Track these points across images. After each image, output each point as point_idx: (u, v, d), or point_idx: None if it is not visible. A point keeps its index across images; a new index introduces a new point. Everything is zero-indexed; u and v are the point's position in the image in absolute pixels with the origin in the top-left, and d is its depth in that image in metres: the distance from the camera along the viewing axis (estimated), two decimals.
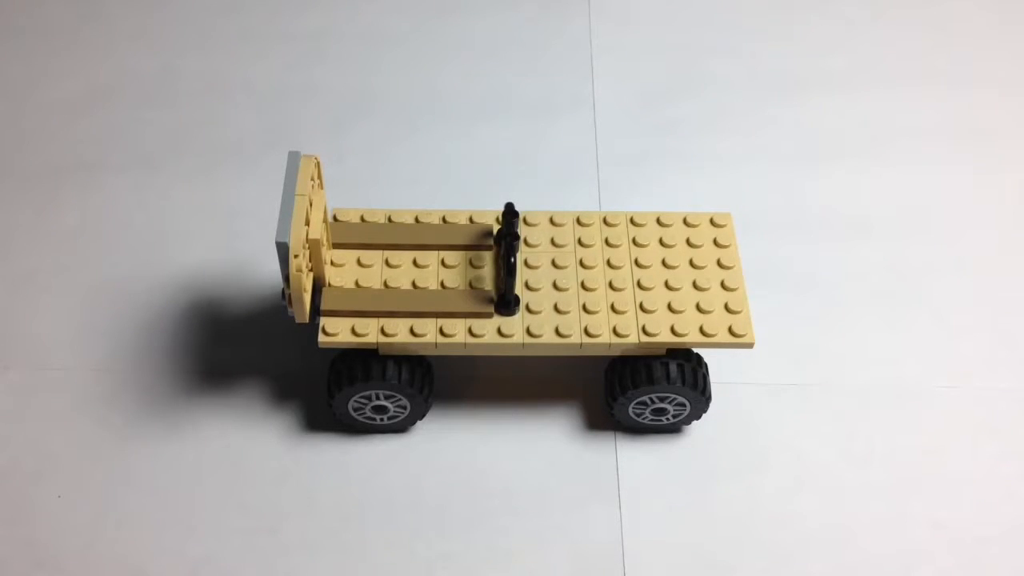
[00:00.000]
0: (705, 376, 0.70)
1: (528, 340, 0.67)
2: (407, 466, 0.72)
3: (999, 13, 1.04)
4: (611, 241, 0.72)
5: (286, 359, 0.77)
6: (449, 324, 0.68)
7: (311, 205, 0.66)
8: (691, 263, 0.71)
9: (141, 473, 0.71)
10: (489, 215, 0.73)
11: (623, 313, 0.69)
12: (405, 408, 0.71)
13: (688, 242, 0.73)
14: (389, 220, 0.73)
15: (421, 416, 0.72)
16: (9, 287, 0.80)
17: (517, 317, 0.68)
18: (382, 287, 0.70)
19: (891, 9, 1.04)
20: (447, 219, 0.73)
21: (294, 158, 0.67)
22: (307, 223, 0.65)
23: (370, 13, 1.02)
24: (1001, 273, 0.83)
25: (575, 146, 0.91)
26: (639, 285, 0.70)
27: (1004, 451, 0.74)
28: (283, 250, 0.63)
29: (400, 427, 0.73)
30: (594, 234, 0.73)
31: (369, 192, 0.87)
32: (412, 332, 0.67)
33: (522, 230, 0.73)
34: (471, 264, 0.71)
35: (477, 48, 0.99)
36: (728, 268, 0.71)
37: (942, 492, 0.72)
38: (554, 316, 0.68)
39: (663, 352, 0.69)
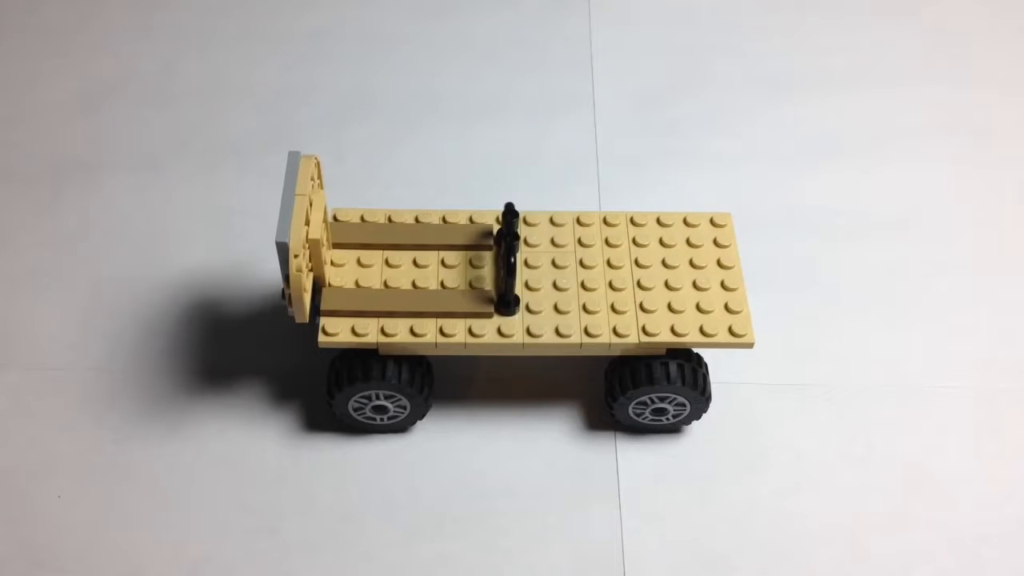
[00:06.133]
0: (705, 376, 0.70)
1: (528, 340, 0.67)
2: (407, 466, 0.72)
3: (999, 13, 1.04)
4: (611, 241, 0.72)
5: (286, 359, 0.77)
6: (449, 324, 0.68)
7: (311, 205, 0.66)
8: (691, 263, 0.71)
9: (141, 473, 0.71)
10: (489, 215, 0.73)
11: (623, 313, 0.69)
12: (405, 408, 0.71)
13: (688, 242, 0.73)
14: (389, 220, 0.73)
15: (421, 416, 0.72)
16: (9, 287, 0.80)
17: (517, 317, 0.68)
18: (382, 287, 0.70)
19: (891, 9, 1.04)
20: (447, 219, 0.73)
21: (294, 158, 0.67)
22: (307, 223, 0.65)
23: (370, 13, 1.02)
24: (1001, 273, 0.83)
25: (575, 146, 0.91)
26: (639, 285, 0.70)
27: (1004, 451, 0.74)
28: (283, 250, 0.63)
29: (400, 427, 0.73)
30: (594, 234, 0.73)
31: (369, 192, 0.87)
32: (412, 332, 0.67)
33: (522, 230, 0.73)
34: (471, 264, 0.71)
35: (477, 48, 0.99)
36: (728, 268, 0.71)
37: (942, 492, 0.71)
38: (554, 316, 0.68)
39: (663, 352, 0.69)
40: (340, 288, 0.69)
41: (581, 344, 0.68)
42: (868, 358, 0.78)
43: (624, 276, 0.70)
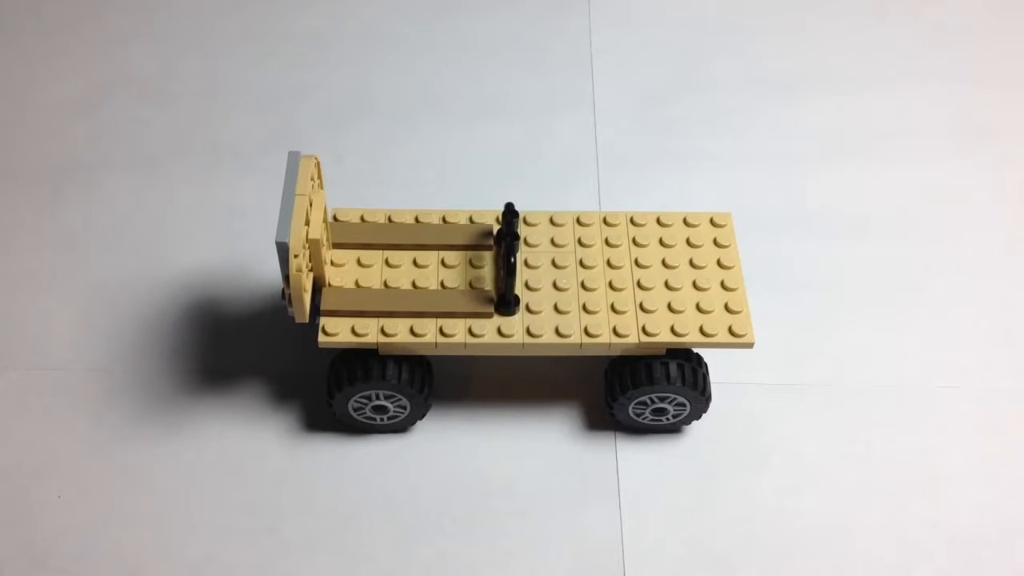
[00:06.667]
0: (705, 376, 0.70)
1: (528, 340, 0.67)
2: (407, 466, 0.72)
3: (999, 13, 1.04)
4: (611, 241, 0.72)
5: (286, 359, 0.77)
6: (449, 324, 0.68)
7: (311, 205, 0.66)
8: (691, 263, 0.71)
9: (141, 473, 0.71)
10: (489, 215, 0.73)
11: (623, 313, 0.69)
12: (405, 408, 0.71)
13: (688, 242, 0.73)
14: (389, 220, 0.73)
15: (421, 416, 0.72)
16: (9, 287, 0.80)
17: (517, 317, 0.68)
18: (382, 287, 0.70)
19: (891, 9, 1.04)
20: (447, 219, 0.73)
21: (294, 158, 0.67)
22: (307, 223, 0.65)
23: (370, 13, 1.02)
24: (1001, 273, 0.83)
25: (575, 146, 0.91)
26: (639, 285, 0.70)
27: (1004, 451, 0.73)
28: (283, 250, 0.63)
29: (400, 427, 0.73)
30: (594, 234, 0.73)
31: (369, 192, 0.87)
32: (412, 332, 0.67)
33: (522, 230, 0.73)
34: (471, 264, 0.71)
35: (477, 48, 0.99)
36: (728, 268, 0.71)
37: (942, 492, 0.72)
38: (554, 316, 0.68)
39: (663, 352, 0.69)
40: (340, 288, 0.69)
41: (581, 344, 0.68)
42: (868, 358, 0.78)
43: (624, 276, 0.70)
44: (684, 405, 0.71)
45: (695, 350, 0.71)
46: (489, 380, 0.76)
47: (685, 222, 0.74)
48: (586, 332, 0.68)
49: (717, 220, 0.74)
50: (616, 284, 0.70)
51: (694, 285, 0.70)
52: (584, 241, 0.72)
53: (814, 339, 0.79)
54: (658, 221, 0.74)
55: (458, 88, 0.96)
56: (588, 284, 0.70)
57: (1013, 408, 0.76)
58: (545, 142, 0.91)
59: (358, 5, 1.03)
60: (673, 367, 0.69)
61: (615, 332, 0.68)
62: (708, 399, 0.70)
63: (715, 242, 0.73)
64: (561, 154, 0.91)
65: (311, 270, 0.68)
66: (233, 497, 0.70)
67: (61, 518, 0.69)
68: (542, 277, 0.70)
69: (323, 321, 0.68)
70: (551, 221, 0.74)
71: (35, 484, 0.71)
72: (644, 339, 0.68)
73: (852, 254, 0.84)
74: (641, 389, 0.69)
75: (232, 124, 0.92)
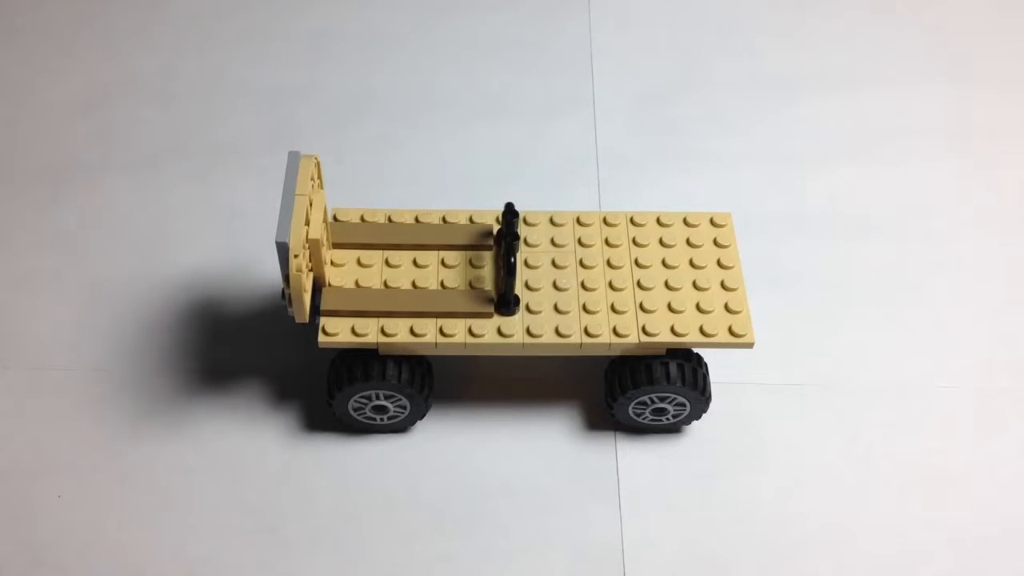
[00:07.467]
0: (705, 376, 0.70)
1: (528, 340, 0.67)
2: (407, 466, 0.72)
3: (999, 11, 1.04)
4: (611, 241, 0.72)
5: (286, 359, 0.77)
6: (449, 324, 0.68)
7: (311, 205, 0.66)
8: (691, 263, 0.71)
9: (141, 473, 0.71)
10: (489, 215, 0.73)
11: (623, 313, 0.69)
12: (405, 408, 0.71)
13: (688, 242, 0.73)
14: (389, 220, 0.73)
15: (421, 416, 0.72)
16: (9, 287, 0.80)
17: (517, 317, 0.68)
18: (382, 287, 0.70)
19: (891, 9, 1.04)
20: (447, 219, 0.73)
21: (294, 158, 0.67)
22: (307, 223, 0.65)
23: (370, 13, 1.02)
24: (1001, 273, 0.83)
25: (575, 146, 0.91)
26: (639, 285, 0.70)
27: (1004, 451, 0.74)
28: (283, 250, 0.63)
29: (400, 427, 0.73)
30: (594, 234, 0.73)
31: (369, 192, 0.87)
32: (412, 332, 0.67)
33: (522, 230, 0.73)
34: (471, 264, 0.71)
35: (477, 48, 0.99)
36: (728, 268, 0.71)
37: (942, 492, 0.72)
38: (554, 316, 0.68)
39: (663, 352, 0.69)
40: (340, 288, 0.69)
41: (581, 344, 0.68)
42: (868, 358, 0.78)
43: (624, 276, 0.70)
44: (684, 405, 0.71)
45: (695, 350, 0.71)
46: (489, 380, 0.76)
47: (685, 222, 0.74)
48: (586, 332, 0.68)
49: (717, 220, 0.74)
50: (616, 284, 0.70)
51: (694, 285, 0.70)
52: (584, 241, 0.72)
53: (814, 339, 0.79)
54: (658, 221, 0.74)
55: (458, 88, 0.96)
56: (588, 284, 0.70)
57: (1013, 408, 0.76)
58: (545, 142, 0.91)
59: (358, 5, 1.03)
60: (673, 367, 0.69)
61: (615, 332, 0.68)
62: (708, 399, 0.70)
63: (715, 242, 0.73)
64: (561, 154, 0.91)
65: (311, 270, 0.68)
66: (233, 497, 0.70)
67: (61, 518, 0.69)
68: (542, 277, 0.70)
69: (323, 321, 0.68)
70: (551, 221, 0.74)
71: (35, 484, 0.71)
72: (644, 339, 0.68)
73: (852, 254, 0.84)
74: (641, 389, 0.69)
75: (232, 124, 0.92)
